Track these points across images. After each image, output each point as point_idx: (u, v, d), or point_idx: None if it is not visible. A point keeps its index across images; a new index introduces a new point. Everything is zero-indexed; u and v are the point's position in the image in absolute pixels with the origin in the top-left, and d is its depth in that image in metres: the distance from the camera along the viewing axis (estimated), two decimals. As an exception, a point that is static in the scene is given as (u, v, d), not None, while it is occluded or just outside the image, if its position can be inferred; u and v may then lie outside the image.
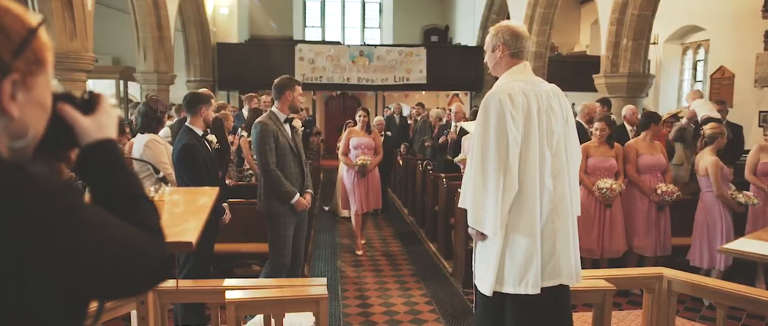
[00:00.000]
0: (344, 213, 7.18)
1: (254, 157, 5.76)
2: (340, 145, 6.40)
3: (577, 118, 6.23)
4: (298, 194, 3.82)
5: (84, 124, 0.87)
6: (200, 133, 3.75)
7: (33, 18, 0.77)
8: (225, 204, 4.01)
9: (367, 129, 6.18)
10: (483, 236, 2.40)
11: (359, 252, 6.02)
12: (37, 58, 0.78)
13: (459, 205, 2.55)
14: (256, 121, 3.82)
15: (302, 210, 3.89)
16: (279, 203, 3.77)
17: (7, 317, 0.70)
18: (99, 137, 0.88)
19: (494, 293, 2.38)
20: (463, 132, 6.51)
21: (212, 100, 3.89)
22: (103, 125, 0.89)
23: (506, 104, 2.29)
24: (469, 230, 2.46)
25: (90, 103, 0.90)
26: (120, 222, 0.82)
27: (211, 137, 3.96)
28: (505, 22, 2.53)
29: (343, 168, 6.83)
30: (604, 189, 4.58)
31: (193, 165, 3.60)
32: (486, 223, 2.34)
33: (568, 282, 2.46)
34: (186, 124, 3.76)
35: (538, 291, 2.34)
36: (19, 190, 0.70)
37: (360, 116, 6.15)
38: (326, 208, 8.46)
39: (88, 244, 0.75)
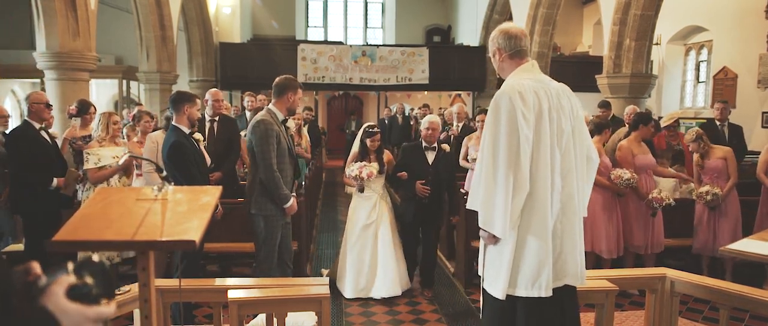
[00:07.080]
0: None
1: (248, 155, 5.71)
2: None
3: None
4: (293, 198, 3.80)
5: None
6: (187, 131, 3.78)
7: None
8: None
9: None
10: (495, 239, 2.33)
11: None
12: None
13: (467, 206, 2.47)
14: (258, 119, 3.71)
15: (292, 213, 3.86)
16: (273, 205, 3.72)
17: None
18: None
19: (506, 296, 2.33)
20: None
21: (196, 99, 3.89)
22: None
23: (517, 103, 2.23)
24: (481, 232, 2.39)
25: None
26: None
27: (198, 135, 3.99)
28: (500, 26, 2.50)
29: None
30: (624, 179, 4.53)
31: (183, 162, 3.64)
32: (495, 224, 2.26)
33: (574, 283, 2.42)
34: (173, 122, 3.81)
35: (551, 294, 2.30)
36: None
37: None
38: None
39: None
